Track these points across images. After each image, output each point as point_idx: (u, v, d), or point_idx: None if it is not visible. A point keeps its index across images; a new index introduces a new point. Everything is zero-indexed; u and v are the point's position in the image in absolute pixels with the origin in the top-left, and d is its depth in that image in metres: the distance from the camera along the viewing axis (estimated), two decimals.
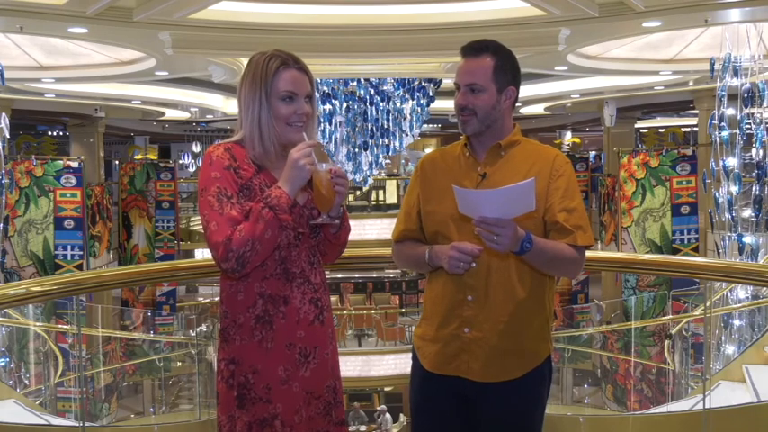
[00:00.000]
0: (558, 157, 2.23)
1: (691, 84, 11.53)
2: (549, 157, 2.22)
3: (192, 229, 16.38)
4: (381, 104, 11.68)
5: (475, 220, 1.96)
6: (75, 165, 10.67)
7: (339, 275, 15.73)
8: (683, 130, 18.83)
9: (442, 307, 2.24)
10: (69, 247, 10.43)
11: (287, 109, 2.06)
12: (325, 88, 11.17)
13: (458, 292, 2.19)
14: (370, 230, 13.05)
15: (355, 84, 11.45)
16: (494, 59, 2.20)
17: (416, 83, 11.68)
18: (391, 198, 17.96)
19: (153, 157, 22.06)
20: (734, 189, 7.89)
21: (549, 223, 2.16)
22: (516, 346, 2.19)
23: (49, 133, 18.87)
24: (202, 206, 2.02)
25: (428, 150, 21.76)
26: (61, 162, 10.66)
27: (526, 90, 12.73)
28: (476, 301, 2.18)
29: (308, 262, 2.11)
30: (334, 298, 15.51)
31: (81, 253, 10.46)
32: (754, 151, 7.90)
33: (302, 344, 2.08)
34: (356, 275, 16.61)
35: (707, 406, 3.75)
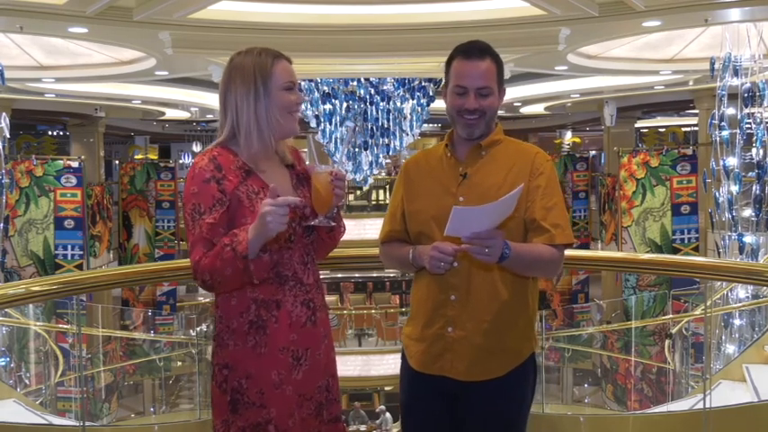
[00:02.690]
0: (539, 156, 2.24)
1: (691, 83, 11.53)
2: (529, 156, 2.23)
3: None
4: (381, 104, 11.68)
5: (465, 238, 1.96)
6: (75, 164, 10.68)
7: (339, 275, 15.72)
8: (684, 129, 18.84)
9: (426, 307, 2.25)
10: (69, 246, 10.43)
11: (291, 97, 2.08)
12: (325, 88, 11.17)
13: (441, 291, 2.20)
14: (370, 230, 13.02)
15: (355, 83, 11.44)
16: (494, 61, 2.22)
17: (416, 82, 11.68)
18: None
19: (153, 156, 22.07)
20: (734, 188, 7.89)
21: (528, 221, 2.17)
22: (499, 345, 2.20)
23: (50, 133, 18.88)
24: (185, 222, 2.06)
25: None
26: (61, 162, 10.67)
27: (526, 90, 12.74)
28: (458, 301, 2.19)
29: (302, 262, 2.10)
30: (333, 297, 15.50)
31: (81, 253, 10.47)
32: (754, 151, 7.90)
33: (294, 347, 2.07)
34: (356, 275, 16.61)
35: (707, 405, 3.75)
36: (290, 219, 2.01)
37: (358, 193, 17.24)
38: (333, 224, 2.10)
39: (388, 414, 12.26)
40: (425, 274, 2.22)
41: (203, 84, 11.78)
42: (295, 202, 1.94)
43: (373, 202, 17.65)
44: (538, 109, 16.17)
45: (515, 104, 15.24)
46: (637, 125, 17.16)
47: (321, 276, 2.21)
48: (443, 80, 2.30)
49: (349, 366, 11.57)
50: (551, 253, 2.15)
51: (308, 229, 2.12)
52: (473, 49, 2.20)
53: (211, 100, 13.68)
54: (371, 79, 11.38)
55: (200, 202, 1.99)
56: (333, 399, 2.17)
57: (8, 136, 8.20)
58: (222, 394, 2.08)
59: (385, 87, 11.58)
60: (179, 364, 11.24)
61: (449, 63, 2.25)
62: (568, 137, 22.78)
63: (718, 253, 8.51)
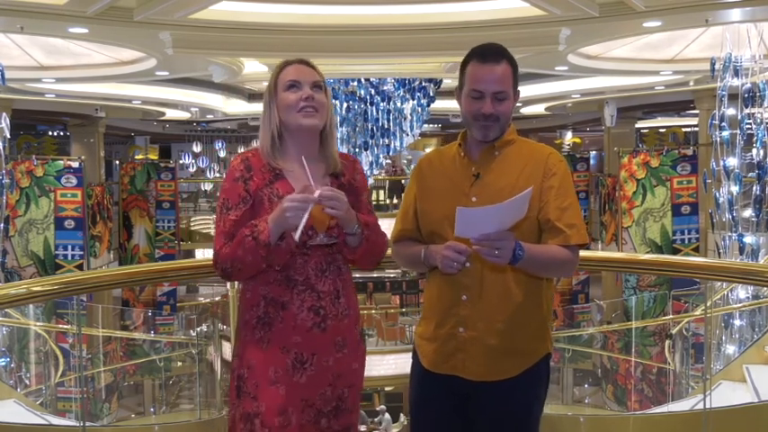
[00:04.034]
0: (552, 156, 2.23)
1: (691, 84, 11.53)
2: (542, 156, 2.22)
3: (192, 229, 16.37)
4: (382, 104, 11.68)
5: (474, 239, 1.96)
6: (75, 165, 10.67)
7: None
8: (684, 129, 18.83)
9: (438, 306, 2.25)
10: (70, 246, 10.42)
11: (293, 96, 2.13)
12: None
13: (453, 291, 2.20)
14: None
15: (356, 84, 11.45)
16: (510, 65, 2.21)
17: (417, 83, 11.68)
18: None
19: (153, 156, 22.05)
20: (734, 189, 7.88)
21: (543, 222, 2.17)
22: (511, 345, 2.19)
23: (50, 133, 18.87)
24: (216, 212, 2.21)
25: (428, 150, 21.76)
26: (62, 162, 10.66)
27: (527, 90, 12.72)
28: (470, 301, 2.18)
29: (318, 269, 2.13)
30: None
31: (81, 253, 10.46)
32: (754, 151, 7.89)
33: (298, 349, 2.11)
34: (356, 275, 16.54)
35: (707, 406, 3.74)
36: (306, 227, 2.06)
37: None
38: (332, 242, 2.12)
39: (387, 414, 12.25)
40: (438, 273, 2.21)
41: (203, 84, 11.79)
42: (315, 200, 2.00)
43: (373, 203, 17.61)
44: (538, 109, 16.17)
45: (516, 105, 15.21)
46: (637, 125, 17.15)
47: None
48: (458, 83, 2.28)
49: None
50: (565, 254, 2.14)
51: (330, 239, 2.15)
52: (489, 53, 2.18)
53: (211, 100, 13.69)
54: (372, 80, 11.38)
55: (228, 198, 2.14)
56: (345, 408, 2.20)
57: (8, 136, 8.19)
58: (233, 379, 2.18)
59: (385, 88, 11.58)
60: (179, 364, 11.24)
61: (464, 65, 2.23)
62: (569, 137, 22.78)
63: (719, 253, 8.50)
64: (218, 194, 2.12)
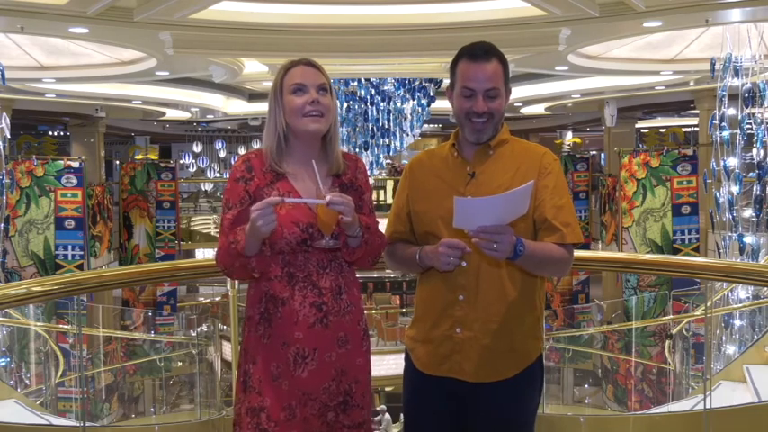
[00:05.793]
0: (546, 155, 2.24)
1: (691, 84, 11.53)
2: (536, 156, 2.23)
3: (192, 229, 16.36)
4: (382, 104, 11.69)
5: (472, 231, 1.95)
6: (75, 165, 10.67)
7: None
8: (684, 130, 18.79)
9: (433, 308, 2.24)
10: (70, 246, 10.42)
11: (299, 100, 2.13)
12: None
13: (449, 292, 2.20)
14: None
15: (356, 84, 11.45)
16: (500, 63, 2.19)
17: (417, 83, 11.69)
18: (391, 198, 17.91)
19: (153, 157, 22.00)
20: (734, 189, 7.88)
21: (539, 221, 2.17)
22: (508, 345, 2.19)
23: (50, 133, 18.86)
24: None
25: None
26: (62, 162, 10.66)
27: (527, 90, 12.73)
28: (467, 301, 2.18)
29: (320, 266, 2.15)
30: None
31: (82, 253, 10.46)
32: (754, 151, 7.89)
33: (300, 345, 2.13)
34: (357, 275, 16.57)
35: (707, 406, 3.74)
36: (305, 225, 2.09)
37: None
38: (336, 246, 2.13)
39: (387, 414, 12.23)
40: (432, 274, 2.21)
41: (204, 84, 11.78)
42: (277, 201, 2.01)
43: (374, 203, 17.59)
44: (538, 109, 16.17)
45: (516, 105, 15.24)
46: (637, 125, 17.15)
47: None
48: (449, 83, 2.27)
49: None
50: (561, 252, 2.15)
51: (332, 237, 2.15)
52: (479, 51, 2.17)
53: (212, 100, 13.68)
54: (372, 80, 11.38)
55: (229, 198, 2.18)
56: (354, 404, 2.20)
57: (9, 136, 8.18)
58: (239, 374, 2.22)
59: (385, 88, 11.58)
60: (179, 364, 11.24)
61: (454, 65, 2.22)
62: (569, 137, 22.77)
63: (719, 253, 8.50)
64: (218, 194, 2.15)
